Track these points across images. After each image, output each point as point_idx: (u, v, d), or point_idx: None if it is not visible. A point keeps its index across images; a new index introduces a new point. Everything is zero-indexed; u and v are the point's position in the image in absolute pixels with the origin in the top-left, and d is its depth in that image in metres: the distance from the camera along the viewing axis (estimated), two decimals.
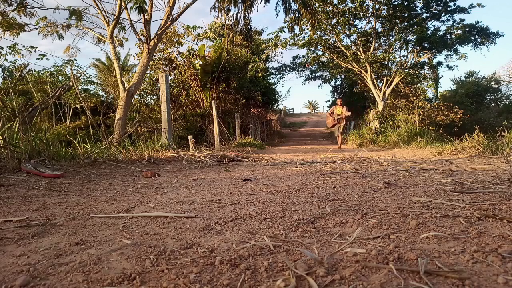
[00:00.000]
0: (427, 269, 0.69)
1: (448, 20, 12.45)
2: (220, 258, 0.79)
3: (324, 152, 6.81)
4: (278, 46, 14.67)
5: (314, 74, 19.07)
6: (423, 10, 12.22)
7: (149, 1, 5.49)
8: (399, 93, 14.90)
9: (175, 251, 0.86)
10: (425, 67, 13.41)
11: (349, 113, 9.90)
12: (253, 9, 8.98)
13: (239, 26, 12.67)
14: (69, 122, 11.25)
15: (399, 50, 13.36)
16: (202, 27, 13.00)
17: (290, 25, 11.35)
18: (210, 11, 8.87)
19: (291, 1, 8.53)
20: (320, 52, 14.39)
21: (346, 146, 10.98)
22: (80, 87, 11.48)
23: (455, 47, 12.67)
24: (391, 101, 13.26)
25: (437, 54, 12.74)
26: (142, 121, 9.78)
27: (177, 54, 10.82)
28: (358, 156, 4.38)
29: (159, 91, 6.71)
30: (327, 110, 10.86)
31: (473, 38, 12.49)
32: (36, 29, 6.71)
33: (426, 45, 12.09)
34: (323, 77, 19.79)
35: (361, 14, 12.29)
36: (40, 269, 0.75)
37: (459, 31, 12.31)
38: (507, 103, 23.88)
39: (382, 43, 13.78)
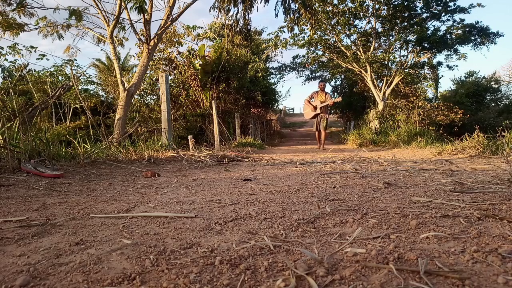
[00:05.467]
0: (427, 269, 0.69)
1: (448, 20, 12.45)
2: (220, 258, 0.79)
3: (324, 152, 6.81)
4: (278, 46, 14.68)
5: (314, 74, 19.07)
6: (423, 10, 12.21)
7: (149, 1, 5.49)
8: (399, 93, 14.90)
9: (175, 251, 0.86)
10: (425, 67, 13.40)
11: (339, 98, 8.23)
12: (252, 9, 8.99)
13: (239, 26, 12.67)
14: (69, 122, 11.26)
15: (399, 50, 13.36)
16: (202, 27, 13.02)
17: (290, 25, 11.34)
18: (210, 11, 8.88)
19: (290, 1, 8.53)
20: (320, 52, 14.38)
21: (346, 146, 10.97)
22: (80, 87, 11.49)
23: (455, 47, 12.66)
24: (391, 101, 13.26)
25: (437, 54, 12.73)
26: (142, 121, 9.78)
27: (177, 54, 10.83)
28: (358, 156, 4.38)
29: (159, 91, 6.72)
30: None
31: (473, 38, 12.48)
32: (36, 29, 6.70)
33: (426, 45, 12.09)
34: (323, 77, 19.79)
35: (361, 14, 12.28)
36: (40, 269, 0.75)
37: (459, 31, 12.31)
38: (507, 103, 23.90)
39: (382, 43, 13.77)
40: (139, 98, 10.61)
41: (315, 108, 8.00)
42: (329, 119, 8.69)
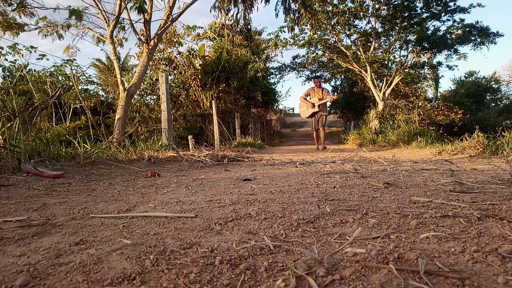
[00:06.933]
0: (427, 269, 0.69)
1: (448, 20, 12.44)
2: (220, 258, 0.79)
3: (324, 152, 6.81)
4: (278, 46, 14.67)
5: (314, 74, 19.06)
6: (423, 10, 12.20)
7: (149, 1, 5.49)
8: (399, 93, 14.90)
9: (175, 251, 0.86)
10: (425, 67, 13.39)
11: (340, 94, 7.73)
12: (253, 9, 8.96)
13: (239, 26, 12.67)
14: (69, 122, 11.25)
15: (399, 50, 13.34)
16: (202, 27, 13.01)
17: (290, 25, 11.31)
18: (210, 11, 8.86)
19: (291, 1, 8.51)
20: (320, 52, 14.37)
21: (346, 146, 10.96)
22: (80, 87, 11.49)
23: (455, 47, 12.65)
24: (391, 101, 13.25)
25: (437, 54, 12.72)
26: (142, 121, 9.79)
27: (177, 54, 10.83)
28: (358, 156, 4.38)
29: (159, 91, 6.71)
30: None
31: (473, 38, 12.47)
32: (36, 29, 6.70)
33: (426, 45, 12.08)
34: (323, 77, 19.76)
35: (361, 14, 12.28)
36: (40, 269, 0.75)
37: (459, 31, 12.30)
38: (507, 103, 23.90)
39: (382, 43, 13.76)
40: (139, 98, 10.61)
41: (313, 105, 7.61)
42: (328, 118, 8.27)
